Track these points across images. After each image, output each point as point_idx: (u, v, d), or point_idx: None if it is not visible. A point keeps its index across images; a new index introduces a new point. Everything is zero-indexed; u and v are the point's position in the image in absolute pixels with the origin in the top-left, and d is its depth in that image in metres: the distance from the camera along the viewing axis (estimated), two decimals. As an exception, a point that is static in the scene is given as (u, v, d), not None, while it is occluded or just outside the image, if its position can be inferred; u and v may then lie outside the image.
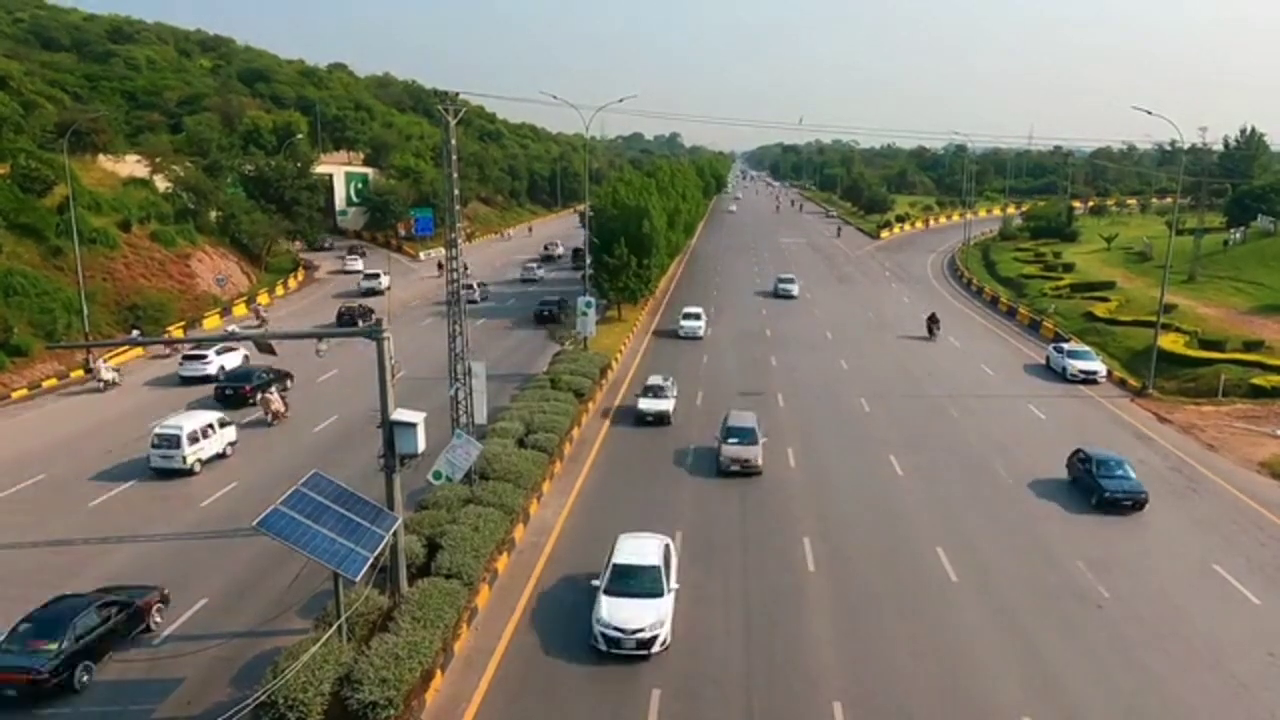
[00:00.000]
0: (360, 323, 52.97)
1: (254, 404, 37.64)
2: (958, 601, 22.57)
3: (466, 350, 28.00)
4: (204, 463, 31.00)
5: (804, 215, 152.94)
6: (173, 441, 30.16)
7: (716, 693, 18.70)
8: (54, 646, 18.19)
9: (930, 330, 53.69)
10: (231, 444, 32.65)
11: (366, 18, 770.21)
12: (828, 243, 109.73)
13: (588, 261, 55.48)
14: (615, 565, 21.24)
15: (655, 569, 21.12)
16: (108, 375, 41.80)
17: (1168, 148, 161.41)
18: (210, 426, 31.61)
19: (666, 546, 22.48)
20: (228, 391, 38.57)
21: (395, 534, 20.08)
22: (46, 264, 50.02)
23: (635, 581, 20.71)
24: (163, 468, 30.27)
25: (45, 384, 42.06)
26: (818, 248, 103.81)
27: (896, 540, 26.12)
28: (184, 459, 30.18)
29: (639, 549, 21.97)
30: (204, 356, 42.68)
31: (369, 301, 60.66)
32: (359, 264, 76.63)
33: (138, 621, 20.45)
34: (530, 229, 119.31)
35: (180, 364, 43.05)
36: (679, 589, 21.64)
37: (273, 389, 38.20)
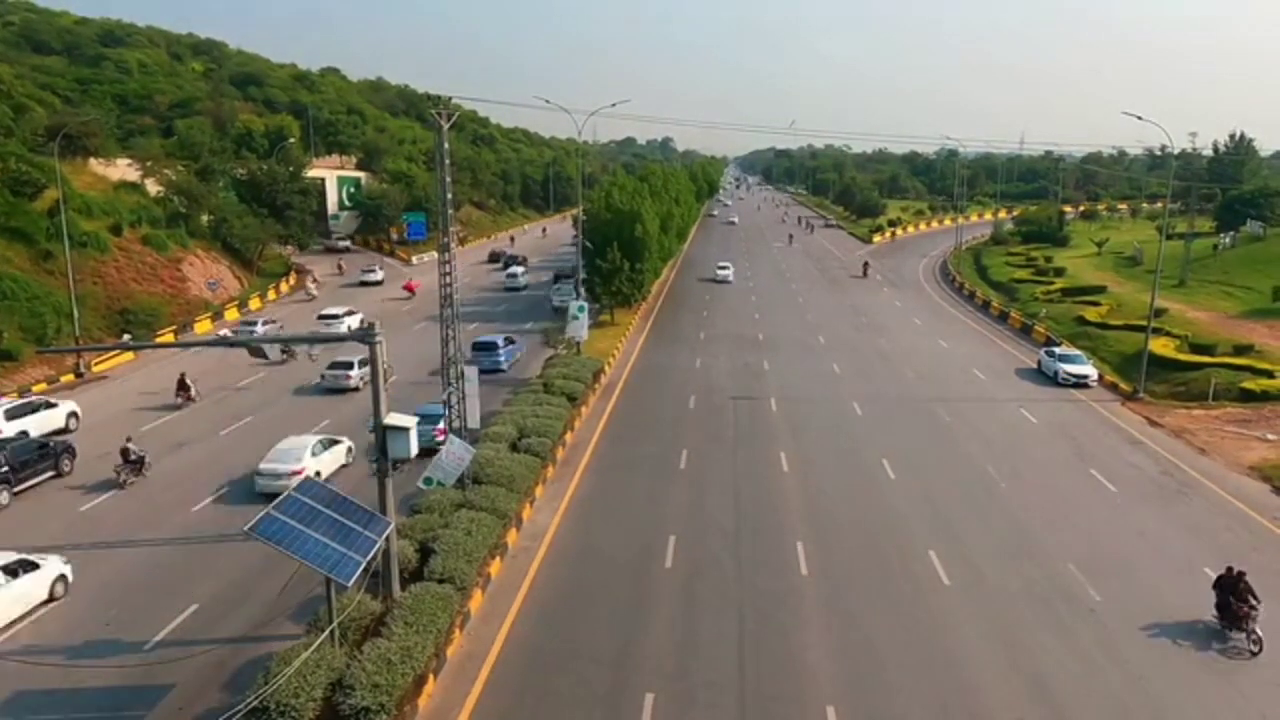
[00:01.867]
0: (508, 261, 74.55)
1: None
2: (950, 604, 22.60)
3: (459, 354, 27.96)
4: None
5: (814, 236, 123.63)
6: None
7: (711, 696, 18.69)
8: None
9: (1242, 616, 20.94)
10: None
11: (360, 21, 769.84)
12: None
13: (580, 265, 55.56)
14: None
15: None
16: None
17: (1158, 153, 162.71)
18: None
19: None
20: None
21: (388, 539, 20.04)
22: (37, 268, 49.83)
23: None
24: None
25: (35, 388, 41.84)
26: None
27: (889, 543, 26.14)
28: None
29: None
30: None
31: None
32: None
33: None
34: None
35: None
36: None
37: None
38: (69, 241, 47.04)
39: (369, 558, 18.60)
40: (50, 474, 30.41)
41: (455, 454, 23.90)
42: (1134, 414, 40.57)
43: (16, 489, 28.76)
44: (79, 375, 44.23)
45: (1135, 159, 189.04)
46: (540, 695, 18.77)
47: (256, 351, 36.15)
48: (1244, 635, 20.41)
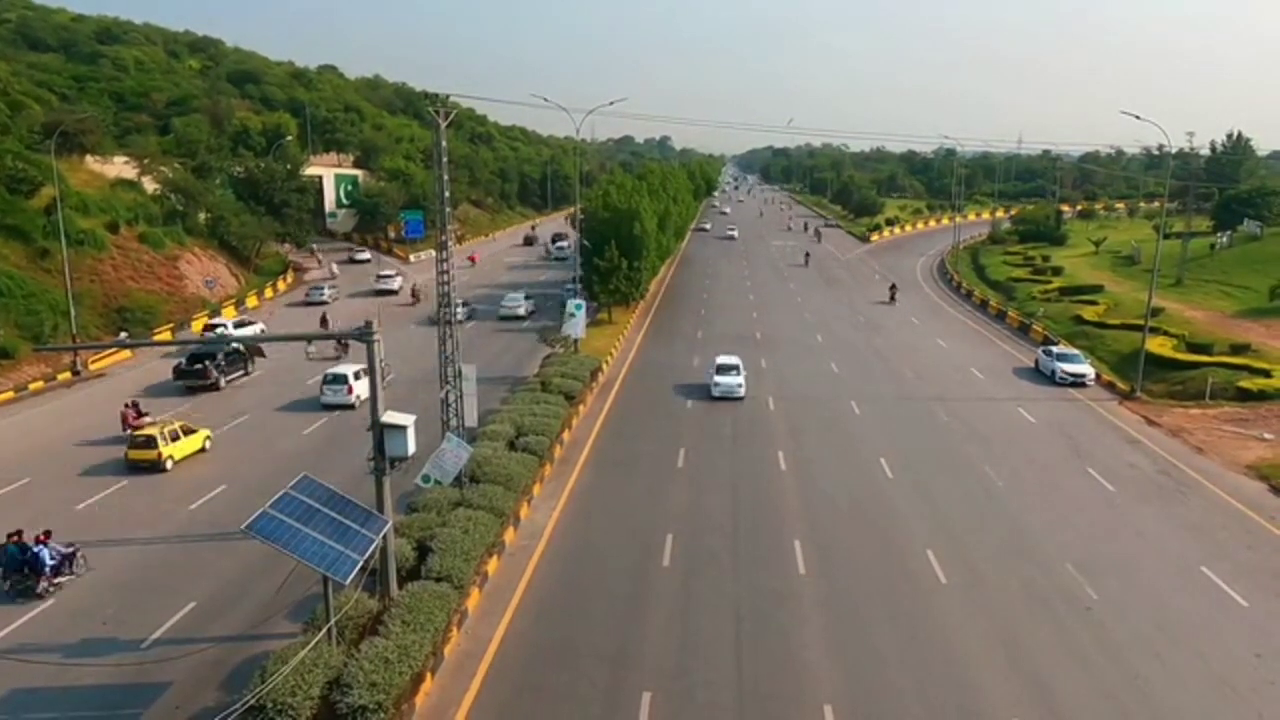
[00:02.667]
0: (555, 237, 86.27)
1: None
2: (947, 604, 22.60)
3: (457, 353, 27.92)
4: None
5: (823, 245, 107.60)
6: None
7: (709, 695, 18.68)
8: None
9: None
10: None
11: (358, 18, 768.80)
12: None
13: (578, 263, 55.55)
14: None
15: None
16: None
17: (1155, 152, 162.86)
18: None
19: None
20: None
21: (385, 537, 20.00)
22: (33, 266, 49.72)
23: None
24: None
25: (31, 386, 41.75)
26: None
27: (886, 542, 26.16)
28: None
29: None
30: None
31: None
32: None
33: None
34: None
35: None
36: None
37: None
38: (66, 239, 46.91)
39: (366, 556, 18.57)
40: (241, 373, 44.21)
41: (453, 452, 23.88)
42: (1131, 413, 40.59)
43: (227, 379, 42.80)
44: (76, 373, 44.13)
45: (1133, 158, 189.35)
46: (538, 694, 18.75)
47: (255, 350, 36.07)
48: None
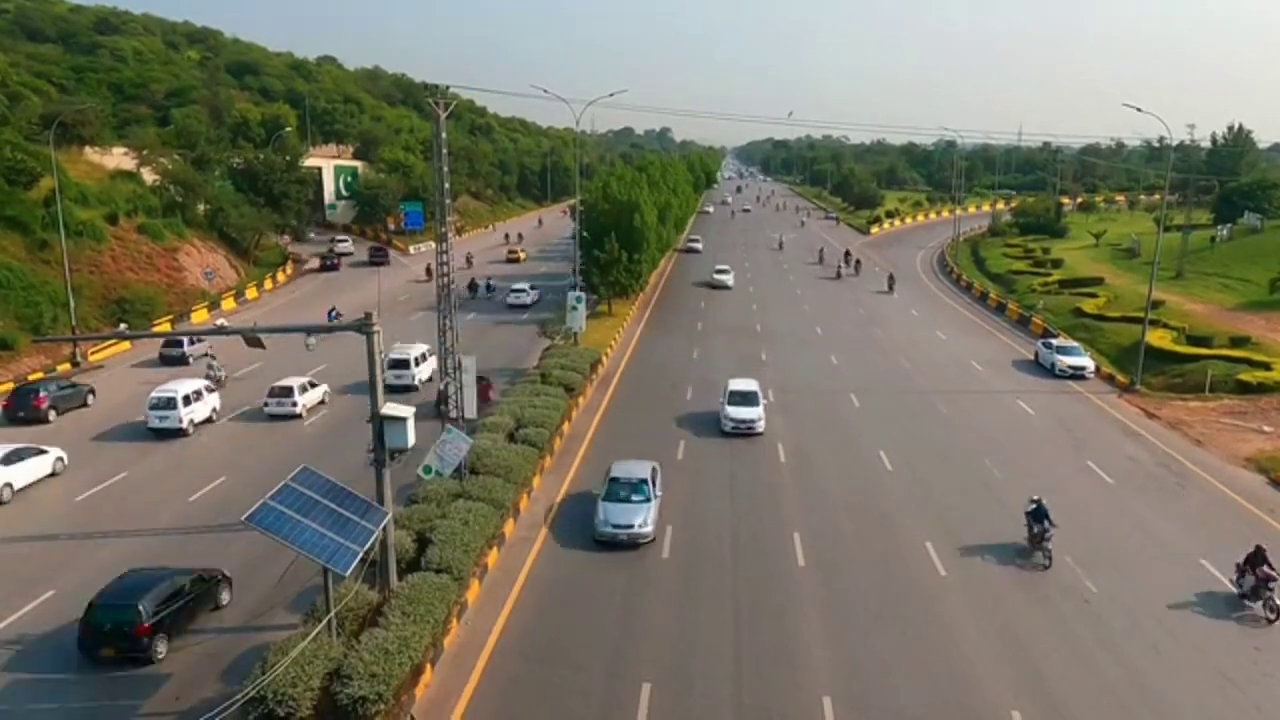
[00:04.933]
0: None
1: None
2: (946, 596, 22.64)
3: (456, 345, 27.91)
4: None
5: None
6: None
7: (708, 686, 18.73)
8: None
9: None
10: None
11: (356, 10, 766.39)
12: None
13: (578, 256, 55.50)
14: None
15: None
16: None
17: (1156, 144, 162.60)
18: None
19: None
20: None
21: (385, 529, 20.01)
22: (33, 257, 49.63)
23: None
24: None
25: (31, 377, 41.68)
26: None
27: (886, 535, 26.20)
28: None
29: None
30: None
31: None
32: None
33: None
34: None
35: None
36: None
37: None
38: (65, 231, 46.86)
39: (366, 548, 18.58)
40: (384, 262, 75.36)
41: (453, 444, 23.88)
42: (1131, 406, 40.60)
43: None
44: (75, 364, 44.12)
45: (1133, 151, 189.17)
46: (538, 685, 18.81)
47: (254, 342, 36.01)
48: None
